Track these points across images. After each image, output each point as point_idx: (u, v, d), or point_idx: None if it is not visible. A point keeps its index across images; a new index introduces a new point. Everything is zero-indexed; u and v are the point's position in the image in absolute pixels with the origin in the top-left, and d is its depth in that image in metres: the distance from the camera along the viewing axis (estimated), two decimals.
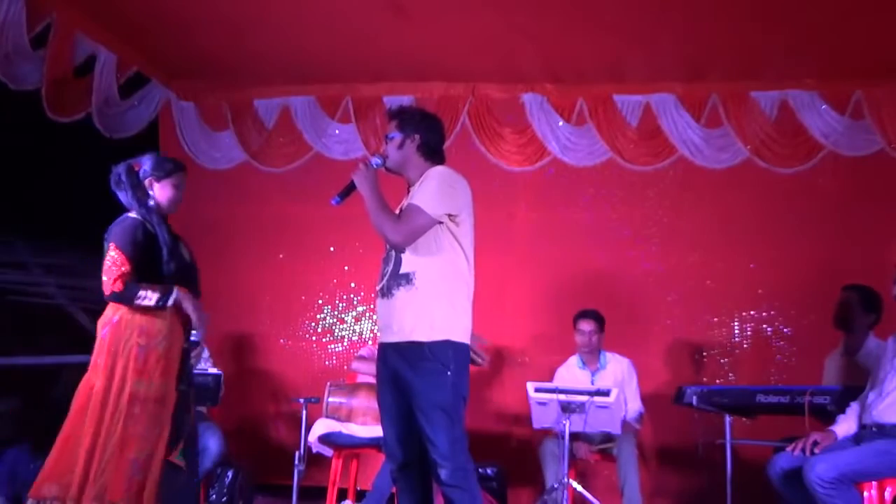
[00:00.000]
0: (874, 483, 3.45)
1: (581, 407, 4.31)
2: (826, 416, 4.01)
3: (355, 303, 6.05)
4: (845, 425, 3.73)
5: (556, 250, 5.89)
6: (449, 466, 2.95)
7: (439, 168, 3.20)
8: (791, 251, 5.61)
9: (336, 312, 6.09)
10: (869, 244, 5.48)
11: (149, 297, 3.39)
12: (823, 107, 5.60)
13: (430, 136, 3.27)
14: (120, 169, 3.63)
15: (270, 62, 5.70)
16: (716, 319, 5.72)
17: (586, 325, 5.06)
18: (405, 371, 3.04)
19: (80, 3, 4.90)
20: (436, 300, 3.05)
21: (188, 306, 3.47)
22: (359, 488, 5.11)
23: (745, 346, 5.67)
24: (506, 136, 5.94)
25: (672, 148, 5.76)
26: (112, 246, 3.44)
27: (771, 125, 5.66)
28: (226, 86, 6.11)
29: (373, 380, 4.98)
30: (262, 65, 5.75)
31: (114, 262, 3.40)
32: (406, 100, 6.03)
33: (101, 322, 3.51)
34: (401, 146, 3.25)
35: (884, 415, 3.57)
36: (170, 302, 3.41)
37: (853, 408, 3.77)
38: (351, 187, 3.18)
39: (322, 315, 6.10)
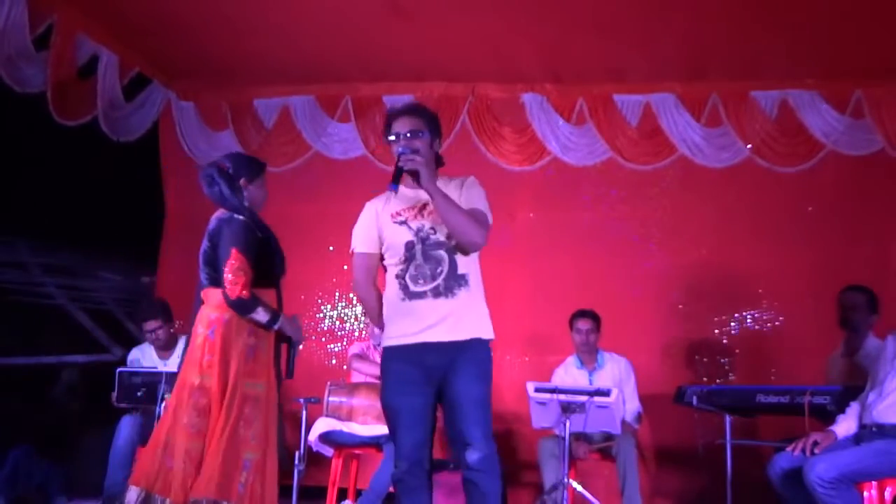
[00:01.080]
0: (874, 483, 3.45)
1: (581, 407, 4.31)
2: (826, 416, 4.00)
3: (355, 302, 6.04)
4: (845, 425, 3.72)
5: (556, 250, 5.88)
6: (480, 450, 3.00)
7: (474, 177, 3.26)
8: (791, 250, 5.61)
9: (336, 312, 6.09)
10: (869, 243, 5.48)
11: (261, 316, 3.39)
12: (824, 106, 5.60)
13: (441, 140, 3.31)
14: (211, 170, 3.57)
15: (270, 62, 5.70)
16: (716, 319, 5.72)
17: (583, 324, 5.05)
18: (455, 366, 3.04)
19: (80, 3, 4.89)
20: (483, 301, 3.17)
21: (290, 330, 3.51)
22: (358, 488, 5.11)
23: (745, 346, 5.66)
24: (506, 136, 5.95)
25: (672, 147, 5.77)
26: (234, 251, 3.38)
27: (771, 124, 5.67)
28: (226, 86, 6.12)
29: (372, 379, 5.00)
30: (261, 65, 5.75)
31: (241, 266, 3.36)
32: (406, 99, 6.03)
33: (204, 322, 3.44)
34: (431, 146, 3.22)
35: (884, 415, 3.57)
36: (275, 326, 3.43)
37: (853, 407, 3.77)
38: (400, 172, 3.08)
39: (321, 315, 6.09)
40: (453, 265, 3.11)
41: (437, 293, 3.09)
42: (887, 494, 3.48)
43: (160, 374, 4.58)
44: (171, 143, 6.22)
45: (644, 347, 5.54)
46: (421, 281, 3.11)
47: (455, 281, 3.09)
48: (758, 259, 5.68)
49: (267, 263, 3.47)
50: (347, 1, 4.78)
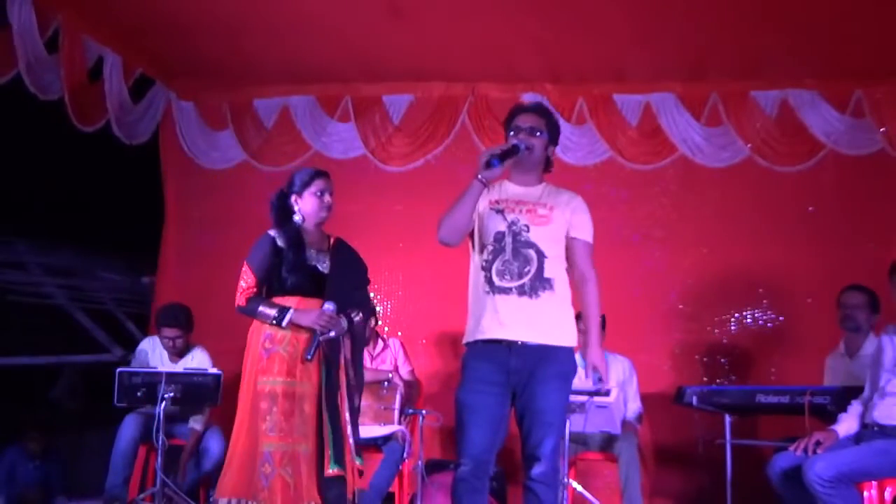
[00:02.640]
0: (874, 483, 3.45)
1: (581, 407, 4.31)
2: (826, 416, 4.00)
3: None
4: (846, 424, 3.72)
5: None
6: (546, 465, 3.04)
7: (582, 199, 3.30)
8: (791, 250, 5.60)
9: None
10: (870, 243, 5.48)
11: (267, 315, 3.63)
12: (824, 106, 5.59)
13: (555, 146, 3.34)
14: (273, 195, 3.84)
15: (270, 62, 5.70)
16: (716, 319, 5.71)
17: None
18: (538, 374, 3.05)
19: (81, 5, 4.88)
20: (567, 307, 3.17)
21: (305, 321, 3.61)
22: (358, 488, 5.10)
23: (745, 345, 5.66)
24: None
25: (672, 147, 5.76)
26: (244, 262, 3.73)
27: (771, 124, 5.66)
28: (225, 86, 6.11)
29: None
30: (261, 65, 5.75)
31: (241, 278, 3.70)
32: (406, 99, 6.04)
33: None
34: (545, 148, 3.25)
35: (885, 415, 3.57)
36: (284, 323, 3.60)
37: (855, 406, 3.76)
38: (511, 153, 3.09)
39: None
40: (541, 267, 3.12)
41: (521, 292, 3.09)
42: (887, 494, 3.48)
43: (160, 374, 4.58)
44: (171, 142, 6.22)
45: (644, 347, 5.54)
46: (507, 277, 3.11)
47: (540, 283, 3.10)
48: (758, 259, 5.67)
49: (278, 274, 3.69)
50: (347, 1, 4.77)
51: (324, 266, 3.76)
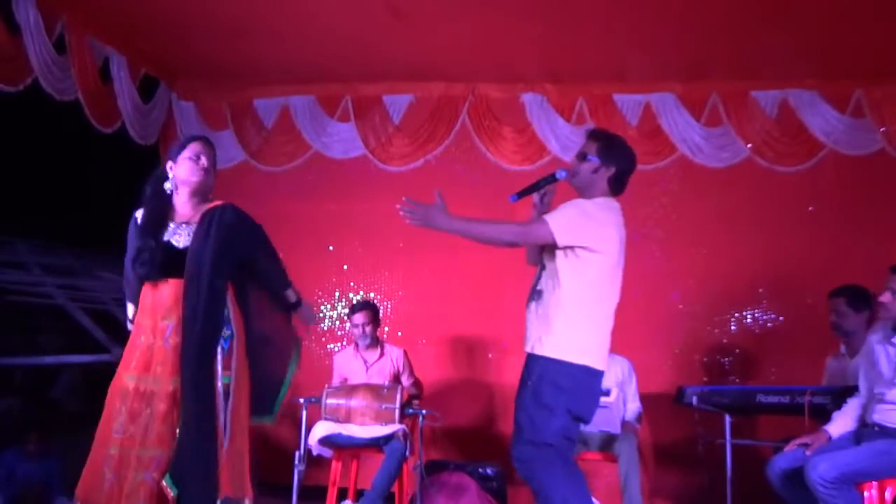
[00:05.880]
0: (874, 483, 3.45)
1: None
2: (826, 417, 4.00)
3: (354, 302, 6.03)
4: (841, 422, 3.72)
5: None
6: (514, 454, 3.23)
7: (594, 202, 3.25)
8: (792, 250, 5.60)
9: (335, 312, 6.08)
10: (870, 243, 5.47)
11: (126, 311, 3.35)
12: (824, 106, 5.60)
13: (625, 168, 3.32)
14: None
15: (270, 62, 5.70)
16: (716, 318, 5.72)
17: None
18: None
19: (83, 6, 4.88)
20: (553, 319, 3.20)
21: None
22: (358, 488, 5.11)
23: (745, 345, 5.66)
24: (506, 136, 5.94)
25: (672, 147, 5.76)
26: None
27: (771, 124, 5.66)
28: (226, 86, 6.12)
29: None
30: (261, 65, 5.76)
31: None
32: (406, 99, 6.04)
33: None
34: (595, 171, 3.29)
35: (886, 416, 3.57)
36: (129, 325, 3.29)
37: (850, 405, 3.76)
38: (535, 188, 3.32)
39: (321, 315, 6.08)
40: (538, 280, 3.32)
41: (528, 304, 3.34)
42: (887, 494, 3.48)
43: None
44: (171, 142, 6.21)
45: (644, 347, 5.53)
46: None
47: (533, 294, 3.30)
48: (758, 259, 5.67)
49: None
50: (347, 1, 4.77)
51: (179, 241, 3.21)
